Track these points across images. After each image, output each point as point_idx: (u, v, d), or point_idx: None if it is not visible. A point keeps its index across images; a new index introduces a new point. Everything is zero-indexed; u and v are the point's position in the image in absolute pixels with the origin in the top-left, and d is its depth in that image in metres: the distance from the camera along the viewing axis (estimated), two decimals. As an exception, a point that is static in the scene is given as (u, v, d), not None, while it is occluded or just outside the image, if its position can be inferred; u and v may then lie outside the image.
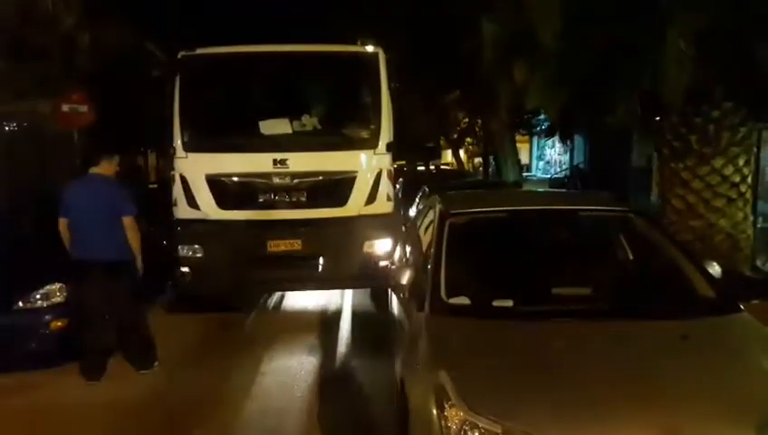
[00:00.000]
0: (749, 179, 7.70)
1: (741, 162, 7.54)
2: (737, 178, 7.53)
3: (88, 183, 5.71)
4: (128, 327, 5.79)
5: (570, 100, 7.70)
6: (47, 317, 5.76)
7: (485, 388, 2.92)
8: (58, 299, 5.83)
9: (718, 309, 3.68)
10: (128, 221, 5.60)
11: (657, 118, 8.14)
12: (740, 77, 7.04)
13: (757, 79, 6.83)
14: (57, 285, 5.84)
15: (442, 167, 30.16)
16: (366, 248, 7.26)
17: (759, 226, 8.78)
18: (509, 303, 3.73)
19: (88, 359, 5.66)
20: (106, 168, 5.74)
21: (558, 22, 7.01)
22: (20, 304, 5.76)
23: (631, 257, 4.79)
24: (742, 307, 3.68)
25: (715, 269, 4.07)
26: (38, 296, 5.80)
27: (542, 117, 16.80)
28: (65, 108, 11.02)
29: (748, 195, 7.70)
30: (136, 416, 5.03)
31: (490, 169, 20.35)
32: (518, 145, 19.21)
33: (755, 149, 8.27)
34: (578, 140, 22.00)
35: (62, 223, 5.60)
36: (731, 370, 3.10)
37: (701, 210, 7.60)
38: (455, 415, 2.80)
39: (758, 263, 8.58)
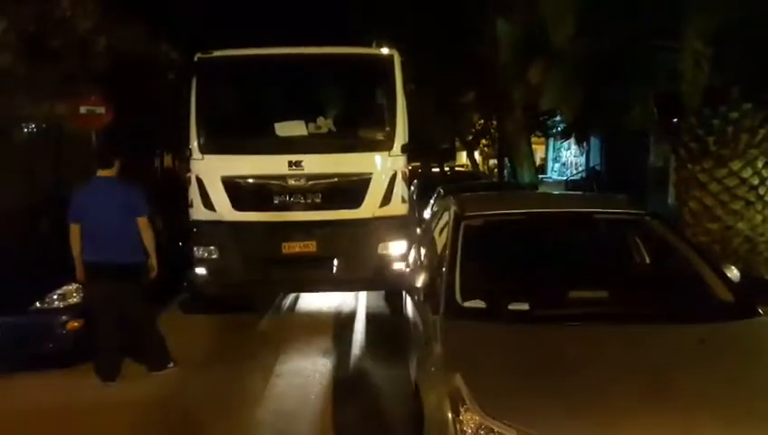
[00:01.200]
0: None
1: (760, 165, 7.43)
2: (756, 181, 7.42)
3: (100, 186, 5.72)
4: (140, 328, 5.82)
5: (585, 101, 7.65)
6: (64, 318, 5.81)
7: (501, 392, 2.90)
8: (74, 300, 5.89)
9: (736, 313, 3.64)
10: (142, 222, 5.63)
11: (675, 119, 8.06)
12: (758, 78, 6.96)
13: (776, 80, 6.75)
14: (74, 286, 5.89)
15: (457, 168, 30.14)
16: (380, 250, 7.26)
17: (778, 228, 8.65)
18: (525, 306, 3.71)
19: (102, 360, 5.70)
20: (116, 170, 5.76)
21: (573, 22, 6.97)
22: (37, 304, 5.82)
23: (648, 261, 4.75)
24: (761, 311, 3.63)
25: (733, 273, 4.02)
26: (55, 297, 5.87)
27: (557, 118, 16.72)
28: (83, 110, 11.13)
29: (767, 197, 7.60)
30: (150, 416, 5.05)
31: (505, 171, 20.27)
32: (533, 147, 19.14)
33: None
34: (594, 141, 21.86)
35: (75, 228, 5.56)
36: (749, 375, 3.06)
37: (719, 213, 7.51)
38: (470, 419, 2.79)
39: (777, 266, 8.46)
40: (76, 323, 5.81)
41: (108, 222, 5.53)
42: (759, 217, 7.50)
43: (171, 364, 5.91)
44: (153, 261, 5.77)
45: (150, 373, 5.83)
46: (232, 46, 7.53)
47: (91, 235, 5.56)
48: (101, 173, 5.72)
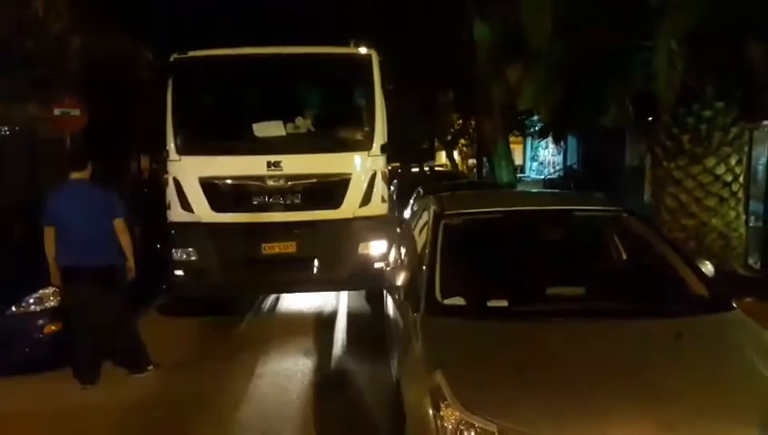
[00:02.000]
0: (741, 178, 7.75)
1: (733, 161, 7.59)
2: (729, 178, 7.57)
3: (74, 188, 5.63)
4: (118, 331, 5.76)
5: (563, 100, 7.75)
6: (41, 321, 5.72)
7: (481, 388, 2.92)
8: (51, 303, 5.79)
9: (711, 307, 3.70)
10: (119, 224, 5.57)
11: (650, 118, 8.19)
12: (731, 77, 7.09)
13: (748, 78, 6.88)
14: (50, 290, 5.79)
15: (436, 168, 30.20)
16: (361, 250, 7.26)
17: (751, 224, 8.84)
18: (504, 303, 3.76)
19: (81, 364, 5.63)
20: (89, 172, 5.69)
21: (549, 23, 7.04)
22: (13, 308, 5.73)
23: (625, 257, 4.81)
24: (735, 305, 3.71)
25: (707, 268, 4.10)
26: (31, 301, 5.77)
27: (535, 118, 16.87)
28: (57, 112, 10.99)
29: (740, 194, 7.75)
30: (131, 420, 5.00)
31: (484, 171, 20.38)
32: (512, 146, 19.24)
33: (747, 149, 8.32)
34: (571, 140, 22.10)
35: (50, 232, 5.48)
36: (725, 367, 3.12)
37: (693, 209, 7.65)
38: (450, 415, 2.81)
39: (750, 261, 8.63)
40: (53, 327, 5.72)
41: (83, 225, 5.45)
42: (732, 214, 7.65)
43: (151, 367, 5.86)
44: (131, 263, 5.71)
45: (131, 376, 5.77)
46: (208, 47, 7.47)
47: (66, 238, 5.47)
48: (75, 175, 5.63)
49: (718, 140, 7.50)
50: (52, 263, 5.53)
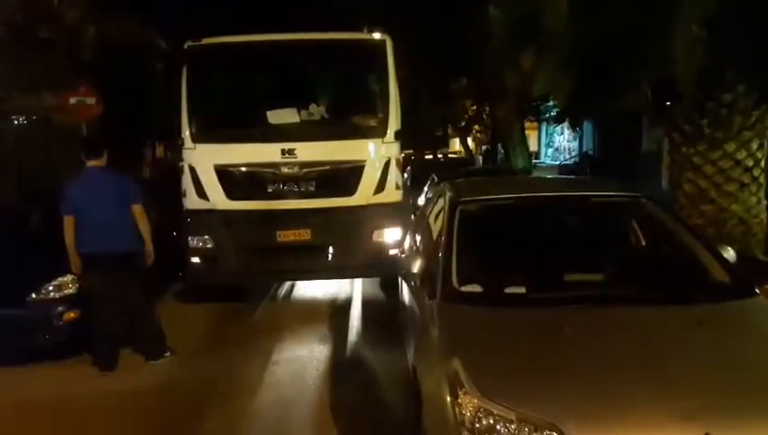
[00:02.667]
0: (762, 163, 7.60)
1: (754, 146, 7.45)
2: (750, 163, 7.43)
3: (91, 176, 5.68)
4: (138, 317, 5.81)
5: (578, 85, 7.63)
6: (60, 309, 5.78)
7: (499, 375, 2.90)
8: (70, 290, 5.85)
9: (734, 293, 3.64)
10: (137, 209, 5.62)
11: (668, 103, 8.06)
12: (751, 60, 6.95)
13: (768, 61, 6.73)
14: (69, 277, 5.85)
15: (450, 155, 30.10)
16: (375, 237, 7.25)
17: (772, 210, 8.68)
18: (521, 290, 3.71)
19: (101, 350, 5.69)
20: (105, 160, 5.74)
21: (564, 5, 6.93)
22: (33, 295, 5.78)
23: (644, 243, 4.75)
24: (757, 291, 3.64)
25: (729, 254, 4.02)
26: (50, 288, 5.82)
27: (550, 103, 16.70)
28: (73, 100, 11.05)
29: (761, 179, 7.61)
30: (148, 406, 5.05)
31: (499, 157, 20.26)
32: (527, 132, 19.12)
33: (768, 133, 8.17)
34: (587, 126, 21.88)
35: (68, 220, 5.52)
36: (749, 354, 3.06)
37: (713, 195, 7.52)
38: (468, 402, 2.78)
39: (771, 247, 8.50)
40: (72, 314, 5.78)
41: (102, 212, 5.49)
42: (753, 199, 7.52)
43: (168, 354, 5.90)
44: (149, 248, 5.75)
45: (147, 363, 5.81)
46: (222, 34, 7.45)
47: (85, 226, 5.52)
48: (91, 163, 5.67)
49: (739, 124, 7.36)
50: (71, 251, 5.57)
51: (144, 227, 5.66)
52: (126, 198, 5.61)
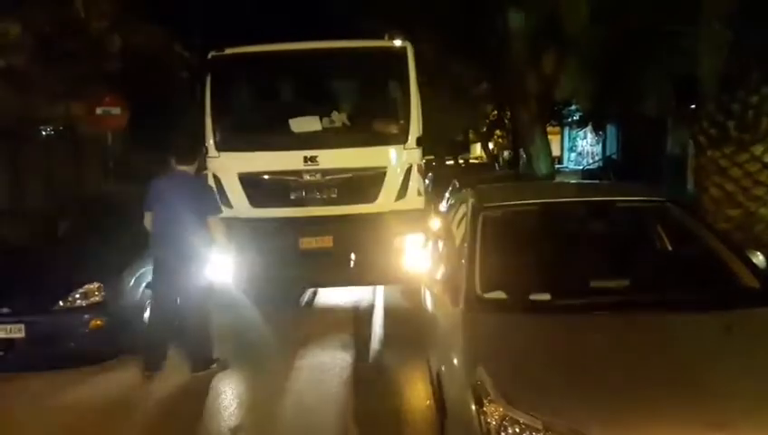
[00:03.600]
0: (790, 166, 7.47)
1: (782, 148, 7.32)
2: (778, 166, 7.31)
3: (177, 179, 5.84)
4: (192, 325, 5.86)
5: (601, 88, 7.58)
6: (86, 316, 5.85)
7: (525, 383, 2.88)
8: (96, 298, 5.92)
9: (764, 299, 3.58)
10: (212, 221, 5.73)
11: (692, 105, 7.96)
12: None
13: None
14: (95, 285, 5.93)
15: (471, 160, 30.01)
16: (397, 244, 7.24)
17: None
18: (546, 296, 3.67)
19: (151, 350, 5.76)
20: (192, 166, 5.90)
21: (586, 10, 6.90)
22: (60, 303, 5.86)
23: (670, 248, 4.69)
24: (788, 298, 3.58)
25: (759, 259, 3.96)
26: (77, 296, 5.89)
27: (573, 107, 16.58)
28: (99, 111, 11.24)
29: (790, 182, 7.48)
30: (171, 412, 5.09)
31: (521, 162, 20.14)
32: (549, 136, 18.98)
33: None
34: (610, 129, 21.67)
35: (148, 216, 5.74)
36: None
37: (740, 199, 7.41)
38: (494, 411, 2.76)
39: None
40: (98, 322, 5.84)
41: (178, 216, 5.61)
42: (782, 203, 7.38)
43: (215, 365, 5.86)
44: (215, 256, 5.86)
45: (192, 374, 5.78)
46: (244, 43, 7.53)
47: (160, 225, 5.67)
48: (181, 168, 5.83)
49: (766, 126, 7.25)
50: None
51: (217, 238, 5.76)
52: (203, 207, 5.72)
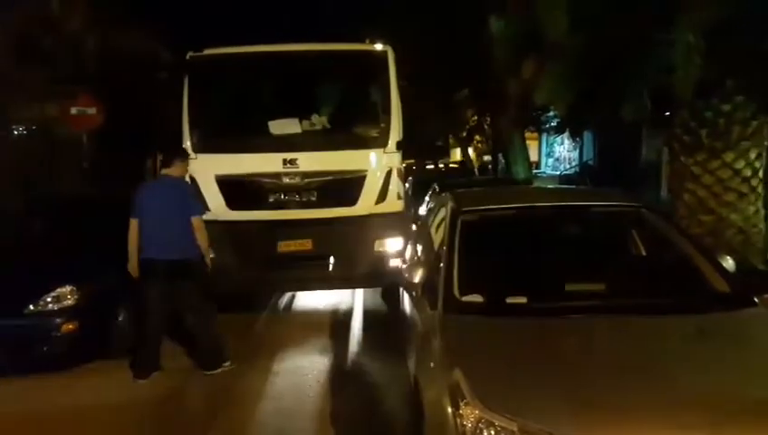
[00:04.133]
0: (760, 173, 7.62)
1: (752, 156, 7.47)
2: (749, 173, 7.45)
3: (161, 184, 5.86)
4: (196, 327, 5.83)
5: (579, 96, 7.66)
6: (58, 320, 5.74)
7: (500, 385, 2.89)
8: (69, 302, 5.81)
9: (733, 303, 3.65)
10: (196, 221, 5.71)
11: (667, 112, 8.08)
12: (750, 70, 6.98)
13: (767, 71, 6.76)
14: (68, 288, 5.83)
15: (451, 165, 30.13)
16: (377, 247, 7.24)
17: (771, 220, 8.68)
18: (523, 299, 3.72)
19: (143, 357, 5.71)
20: (178, 170, 5.88)
21: (566, 18, 6.96)
22: (31, 307, 5.75)
23: (644, 253, 4.76)
24: (756, 301, 3.65)
25: (728, 263, 4.04)
26: (49, 299, 5.78)
27: (551, 114, 16.74)
28: (74, 111, 11.09)
29: (760, 189, 7.62)
30: (149, 417, 5.03)
31: (499, 167, 20.30)
32: (527, 142, 19.15)
33: (767, 143, 8.19)
34: (587, 136, 21.93)
35: (134, 224, 5.67)
36: (749, 364, 3.06)
37: (712, 205, 7.54)
38: (470, 413, 2.78)
39: (771, 257, 8.49)
40: (71, 326, 5.75)
41: (166, 220, 5.60)
42: (752, 209, 7.53)
43: (227, 364, 5.86)
44: (207, 259, 5.85)
45: (203, 373, 5.79)
46: (224, 45, 7.49)
47: (149, 231, 5.64)
48: (165, 172, 5.83)
49: (737, 134, 7.39)
50: (132, 254, 5.68)
51: (202, 240, 5.73)
52: (187, 209, 5.70)
